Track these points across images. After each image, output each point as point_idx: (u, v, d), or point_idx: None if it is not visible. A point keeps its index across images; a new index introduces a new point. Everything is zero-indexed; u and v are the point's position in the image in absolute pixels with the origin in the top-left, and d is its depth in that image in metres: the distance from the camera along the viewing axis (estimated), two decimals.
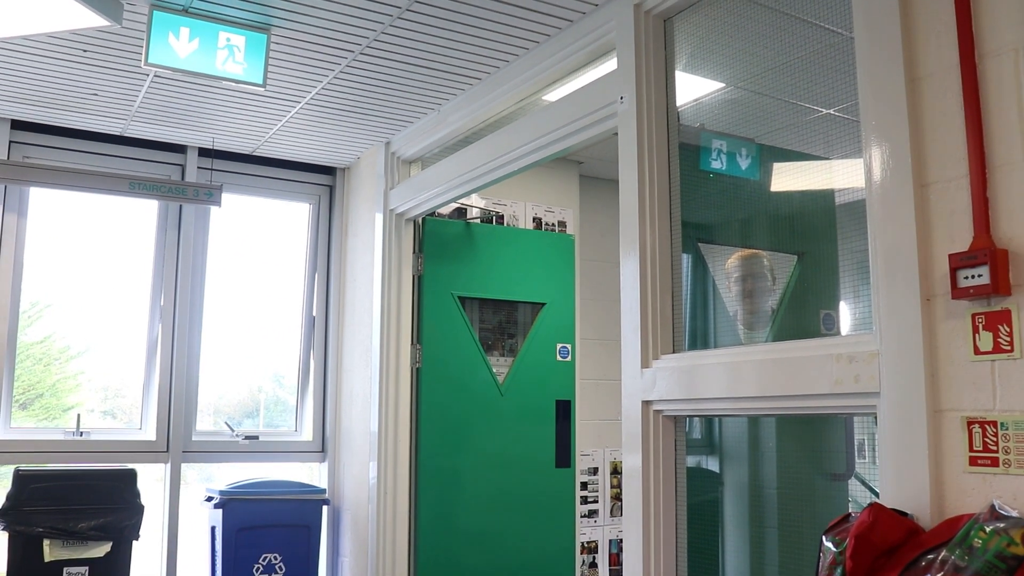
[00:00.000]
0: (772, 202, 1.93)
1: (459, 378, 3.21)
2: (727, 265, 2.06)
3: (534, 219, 3.60)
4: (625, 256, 1.98)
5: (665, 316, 1.92)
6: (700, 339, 2.01)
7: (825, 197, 1.72)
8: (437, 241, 3.26)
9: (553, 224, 3.56)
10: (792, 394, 1.54)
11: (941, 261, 1.30)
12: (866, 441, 1.52)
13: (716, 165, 1.98)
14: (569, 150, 2.34)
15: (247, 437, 3.27)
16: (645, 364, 1.93)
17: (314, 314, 3.54)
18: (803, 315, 1.84)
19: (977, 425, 1.23)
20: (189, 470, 3.20)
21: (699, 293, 2.06)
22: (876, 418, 1.38)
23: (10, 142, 3.01)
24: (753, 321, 1.97)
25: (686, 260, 2.00)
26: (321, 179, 3.55)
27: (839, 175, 1.62)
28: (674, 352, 1.91)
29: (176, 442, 3.09)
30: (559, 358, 3.43)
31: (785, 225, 1.88)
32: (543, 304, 3.42)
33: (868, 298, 1.42)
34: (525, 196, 3.61)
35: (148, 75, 2.51)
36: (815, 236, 1.77)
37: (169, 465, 3.08)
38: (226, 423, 3.29)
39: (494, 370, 3.31)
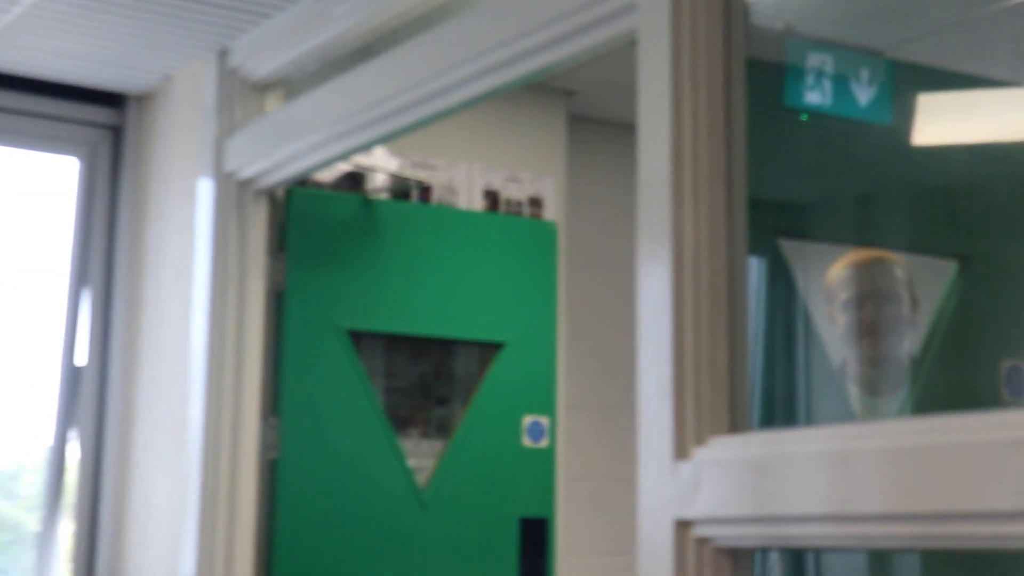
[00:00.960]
0: (914, 165, 1.94)
1: (347, 478, 3.22)
2: (830, 278, 2.10)
3: (486, 193, 3.63)
4: (647, 262, 2.00)
5: (717, 368, 1.94)
6: (780, 410, 2.05)
7: (1013, 156, 1.75)
8: (312, 231, 3.28)
9: (520, 203, 3.61)
10: (952, 511, 1.56)
11: None
12: None
13: (813, 99, 1.98)
14: (549, 71, 2.35)
15: None
16: (681, 454, 1.94)
17: (80, 362, 3.54)
18: (969, 368, 1.87)
19: None
20: None
21: (779, 328, 2.10)
22: None
23: None
24: (877, 378, 2.01)
25: (757, 269, 2.06)
26: (99, 115, 3.51)
27: None
28: (732, 432, 1.94)
29: None
30: (527, 442, 3.44)
31: (938, 208, 1.91)
32: (500, 345, 3.42)
33: None
34: (472, 152, 3.65)
35: None
36: (992, 228, 1.82)
37: None
38: None
39: (411, 464, 3.33)
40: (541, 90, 3.71)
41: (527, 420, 3.43)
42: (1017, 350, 1.79)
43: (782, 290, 2.09)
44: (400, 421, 3.38)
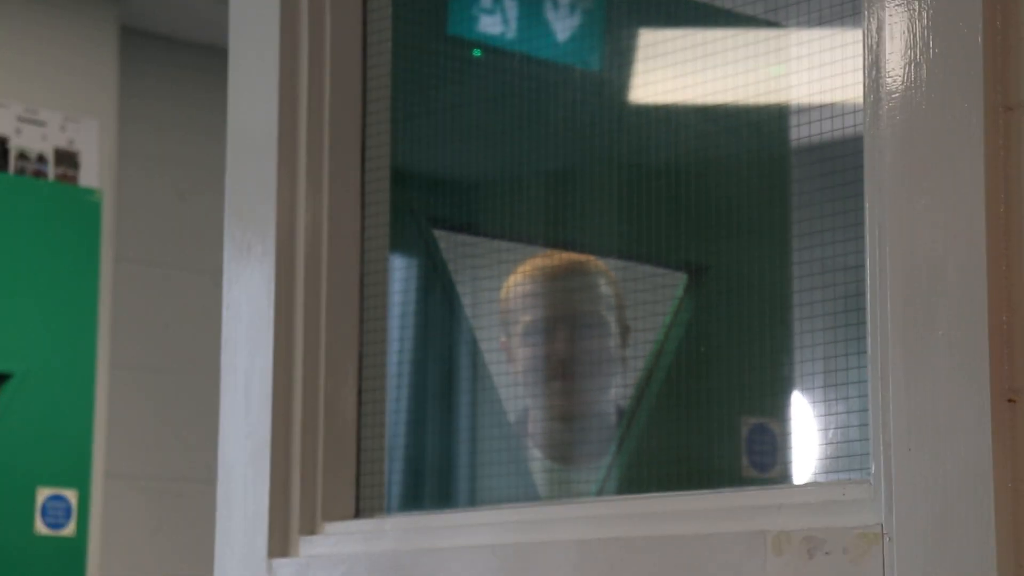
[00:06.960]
0: (630, 133, 1.86)
1: None
2: (508, 293, 1.98)
3: None
4: (237, 257, 1.90)
5: (339, 422, 1.86)
6: (432, 484, 1.99)
7: (766, 125, 1.70)
8: None
9: (43, 158, 3.20)
10: None
11: None
12: None
13: (490, 27, 1.91)
14: None
15: None
16: (280, 549, 1.84)
17: None
18: (699, 425, 1.77)
19: None
20: None
21: (432, 363, 1.99)
22: None
23: None
24: (570, 439, 1.91)
25: (402, 272, 1.96)
26: None
27: (802, 75, 1.61)
28: (359, 516, 1.87)
29: None
30: (43, 529, 3.02)
31: (662, 195, 1.79)
32: (3, 378, 3.03)
33: (862, 391, 1.42)
34: None
35: None
36: (737, 225, 1.75)
37: None
38: None
39: None
40: None
41: (43, 495, 3.09)
42: (762, 403, 1.69)
43: (438, 307, 1.97)
44: None
